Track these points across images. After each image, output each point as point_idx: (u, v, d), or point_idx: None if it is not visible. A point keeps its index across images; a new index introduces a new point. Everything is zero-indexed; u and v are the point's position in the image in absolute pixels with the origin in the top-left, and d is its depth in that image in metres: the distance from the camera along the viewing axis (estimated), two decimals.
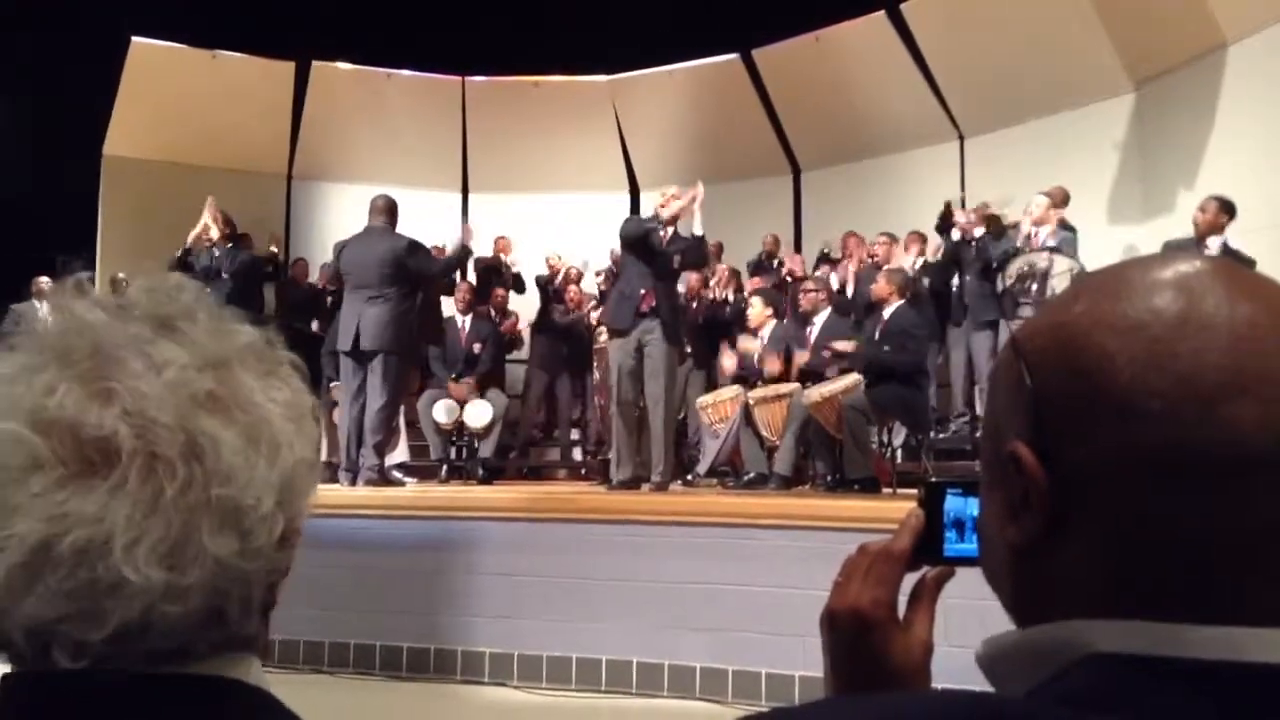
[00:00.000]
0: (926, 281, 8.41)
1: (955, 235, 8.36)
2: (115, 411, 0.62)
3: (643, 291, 6.47)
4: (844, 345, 6.96)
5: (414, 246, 6.89)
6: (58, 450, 0.61)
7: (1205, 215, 6.93)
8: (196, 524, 0.63)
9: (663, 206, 6.64)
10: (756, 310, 7.86)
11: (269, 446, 0.67)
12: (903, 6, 10.34)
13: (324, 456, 8.09)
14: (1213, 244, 6.75)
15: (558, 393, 9.78)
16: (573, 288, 9.95)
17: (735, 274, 9.77)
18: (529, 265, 10.72)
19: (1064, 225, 7.79)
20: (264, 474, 0.66)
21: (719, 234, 10.83)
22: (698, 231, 6.65)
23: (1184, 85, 8.80)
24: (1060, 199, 8.03)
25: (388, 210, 6.97)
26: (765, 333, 7.80)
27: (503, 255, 10.78)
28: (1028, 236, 7.53)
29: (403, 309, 6.76)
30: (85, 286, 0.69)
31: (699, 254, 6.87)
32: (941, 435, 8.02)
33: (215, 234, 8.49)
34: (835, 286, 8.66)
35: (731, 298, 9.17)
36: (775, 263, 10.12)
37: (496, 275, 10.48)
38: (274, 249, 10.63)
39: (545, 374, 9.68)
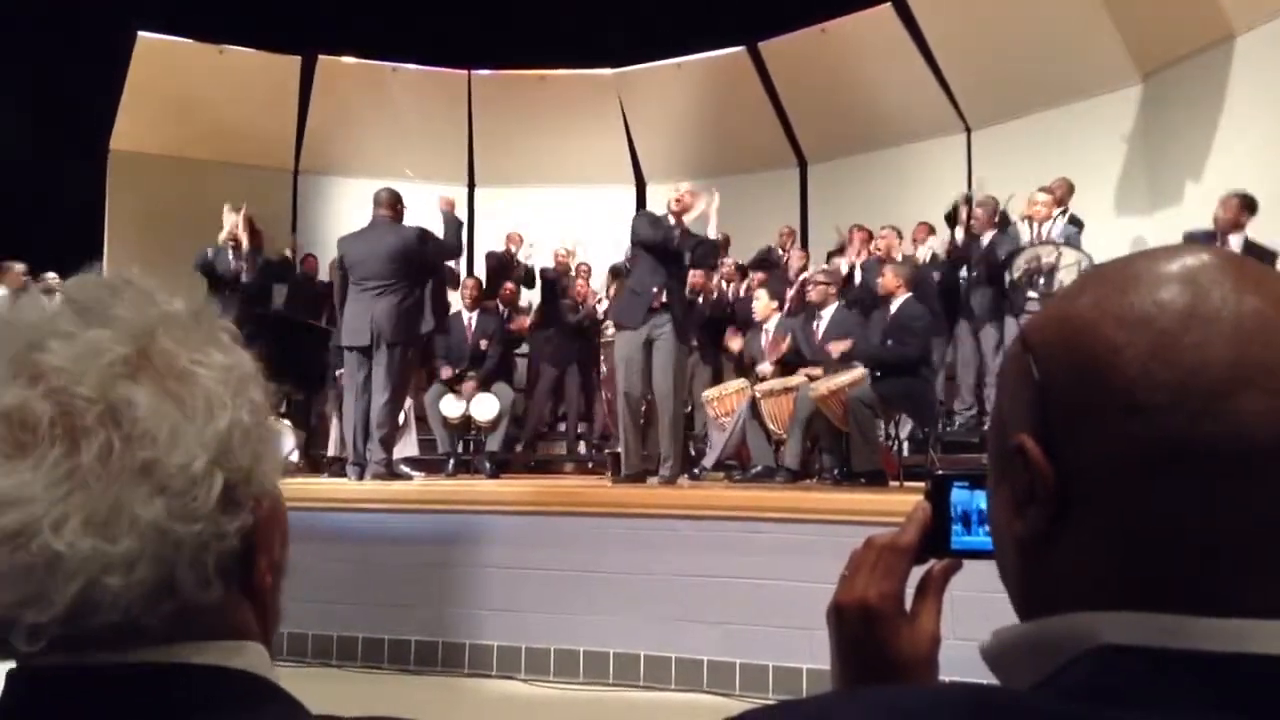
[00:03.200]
0: (937, 275, 8.39)
1: (960, 233, 8.34)
2: (38, 391, 0.62)
3: (654, 289, 6.47)
4: (840, 346, 6.94)
5: (424, 235, 6.90)
6: None
7: (1226, 213, 6.91)
8: (123, 490, 0.62)
9: (677, 202, 6.64)
10: (762, 304, 7.86)
11: (198, 409, 0.66)
12: None
13: (331, 451, 8.14)
14: (1234, 241, 6.73)
15: (566, 387, 9.76)
16: (580, 283, 9.93)
17: (742, 270, 9.78)
18: (536, 258, 10.71)
19: (1071, 220, 7.80)
20: (192, 433, 0.65)
21: (725, 227, 10.84)
22: (713, 235, 6.76)
23: (1191, 76, 8.77)
24: (1064, 193, 8.03)
25: (391, 203, 6.97)
26: (770, 325, 7.80)
27: (513, 248, 10.78)
28: (1035, 235, 7.56)
29: (410, 301, 6.78)
30: (30, 287, 0.70)
31: (710, 253, 6.92)
32: (949, 428, 8.01)
33: (245, 242, 8.61)
34: (844, 272, 8.68)
35: (742, 293, 9.18)
36: (782, 257, 10.09)
37: (508, 270, 10.48)
38: (288, 252, 10.63)
39: (553, 369, 9.65)
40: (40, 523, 0.60)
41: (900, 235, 8.91)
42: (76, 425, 0.62)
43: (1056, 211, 7.77)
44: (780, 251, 10.22)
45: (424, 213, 7.43)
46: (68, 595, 0.61)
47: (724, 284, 9.55)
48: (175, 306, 0.70)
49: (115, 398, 0.63)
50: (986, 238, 8.12)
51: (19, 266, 9.00)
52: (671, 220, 6.59)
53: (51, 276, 9.02)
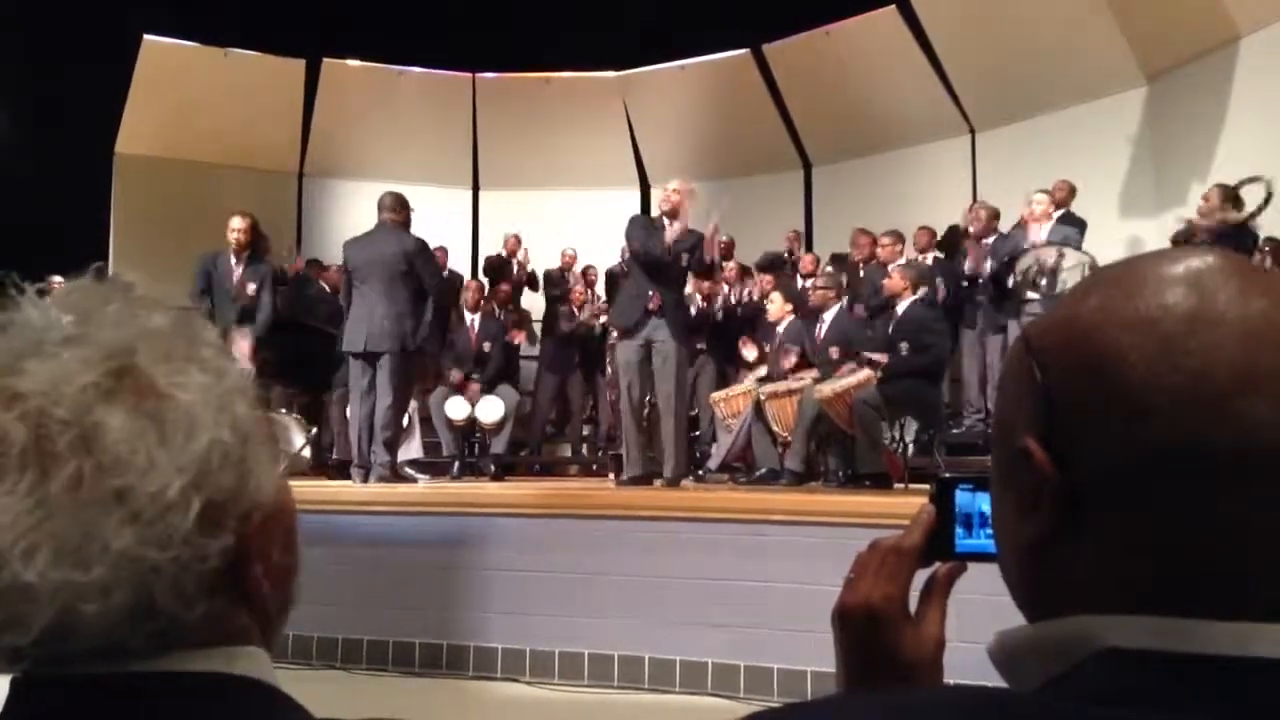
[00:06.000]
0: (940, 283, 8.36)
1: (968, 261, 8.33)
2: (15, 414, 0.61)
3: (650, 291, 6.48)
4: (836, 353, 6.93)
5: (422, 247, 6.87)
6: None
7: (1208, 203, 6.92)
8: (94, 519, 0.61)
9: (666, 202, 6.66)
10: (776, 305, 7.86)
11: (176, 430, 0.64)
12: (914, 0, 10.31)
13: (336, 455, 8.14)
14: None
15: (569, 393, 9.77)
16: (578, 289, 9.93)
17: (745, 270, 9.78)
18: (540, 262, 10.70)
19: (1069, 219, 7.81)
20: (167, 458, 0.63)
21: (729, 230, 10.84)
22: (691, 226, 6.63)
23: (1196, 78, 8.75)
24: (1064, 195, 8.05)
25: (395, 207, 6.95)
26: (782, 327, 7.79)
27: (513, 256, 10.71)
28: (1027, 237, 7.66)
29: (412, 306, 6.75)
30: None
31: (702, 262, 6.74)
32: (955, 431, 7.99)
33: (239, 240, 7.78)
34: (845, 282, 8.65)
35: (754, 295, 9.16)
36: (791, 260, 10.07)
37: (504, 273, 10.44)
38: (286, 266, 10.17)
39: (555, 375, 9.67)
40: (10, 553, 0.59)
41: (902, 240, 8.82)
42: (48, 451, 0.61)
43: (1057, 213, 7.81)
44: (786, 256, 10.20)
45: (431, 217, 7.40)
46: (42, 622, 0.61)
47: (725, 287, 9.53)
48: (156, 321, 0.69)
49: (89, 422, 0.62)
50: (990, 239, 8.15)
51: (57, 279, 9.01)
52: (666, 222, 6.59)
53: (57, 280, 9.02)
